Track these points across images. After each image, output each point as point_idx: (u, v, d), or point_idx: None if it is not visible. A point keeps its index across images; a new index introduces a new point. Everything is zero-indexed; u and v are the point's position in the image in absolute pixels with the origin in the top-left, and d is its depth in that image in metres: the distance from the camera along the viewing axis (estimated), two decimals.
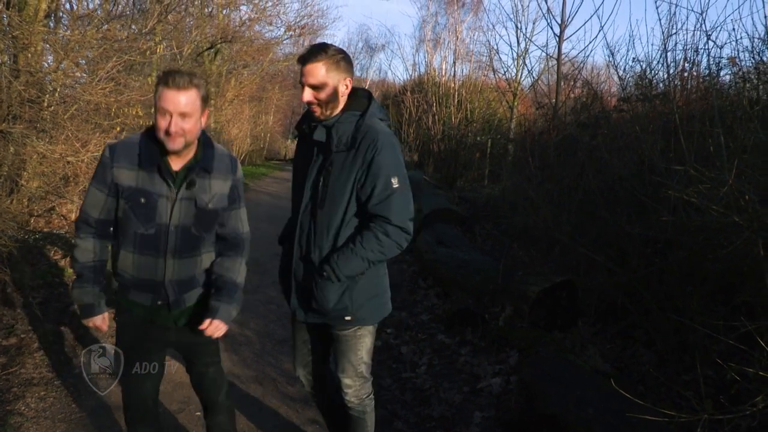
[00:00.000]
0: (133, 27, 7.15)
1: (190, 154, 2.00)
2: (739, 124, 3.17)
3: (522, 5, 13.04)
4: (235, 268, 2.14)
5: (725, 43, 6.73)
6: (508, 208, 6.98)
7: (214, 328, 2.05)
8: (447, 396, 3.38)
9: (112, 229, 2.08)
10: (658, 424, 2.29)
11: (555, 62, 7.61)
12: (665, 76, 4.70)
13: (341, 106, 2.12)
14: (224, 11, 15.39)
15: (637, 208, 3.96)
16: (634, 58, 8.95)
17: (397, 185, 2.05)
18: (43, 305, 4.14)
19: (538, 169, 5.67)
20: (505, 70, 13.48)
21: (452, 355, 3.97)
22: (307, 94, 2.06)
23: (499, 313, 4.34)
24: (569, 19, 7.34)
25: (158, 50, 9.23)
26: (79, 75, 5.94)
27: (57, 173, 5.49)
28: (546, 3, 17.19)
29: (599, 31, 19.98)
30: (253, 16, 15.63)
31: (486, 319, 4.28)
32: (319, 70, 2.03)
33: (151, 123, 1.98)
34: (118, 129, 6.49)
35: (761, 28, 4.49)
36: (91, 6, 6.63)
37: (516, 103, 12.01)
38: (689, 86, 4.43)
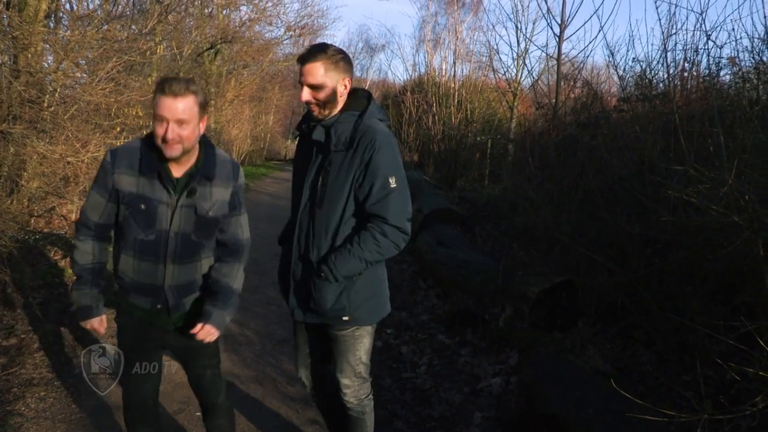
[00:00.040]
0: (133, 27, 7.15)
1: (190, 160, 1.99)
2: (738, 124, 3.16)
3: (522, 5, 13.07)
4: (232, 273, 2.13)
5: (725, 43, 6.75)
6: (508, 208, 6.98)
7: (206, 332, 2.05)
8: (447, 396, 3.38)
9: (112, 232, 2.09)
10: (658, 424, 2.29)
11: (555, 62, 7.61)
12: (665, 76, 4.71)
13: (340, 106, 2.12)
14: (224, 11, 15.40)
15: (637, 208, 3.96)
16: (634, 58, 8.95)
17: (394, 185, 2.04)
18: (43, 306, 4.14)
19: (538, 170, 5.67)
20: (505, 70, 13.49)
21: (452, 355, 3.97)
22: (306, 94, 2.07)
23: (500, 313, 4.33)
24: (569, 19, 7.34)
25: (158, 51, 9.24)
26: (79, 75, 5.94)
27: (57, 174, 5.49)
28: (546, 3, 17.22)
29: (599, 31, 20.00)
30: (253, 17, 15.65)
31: (486, 319, 4.28)
32: (317, 70, 2.03)
33: (151, 125, 1.98)
34: (118, 129, 6.50)
35: (761, 28, 4.50)
36: (91, 6, 6.64)
37: (516, 103, 12.00)
38: (689, 86, 4.44)
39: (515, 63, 13.04)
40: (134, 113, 6.56)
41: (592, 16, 10.15)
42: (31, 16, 5.28)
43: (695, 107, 4.11)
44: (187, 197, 1.97)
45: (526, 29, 13.94)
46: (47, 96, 5.38)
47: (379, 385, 3.54)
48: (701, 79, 4.40)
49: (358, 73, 34.95)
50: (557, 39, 7.34)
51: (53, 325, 3.90)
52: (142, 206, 1.95)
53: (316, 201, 2.11)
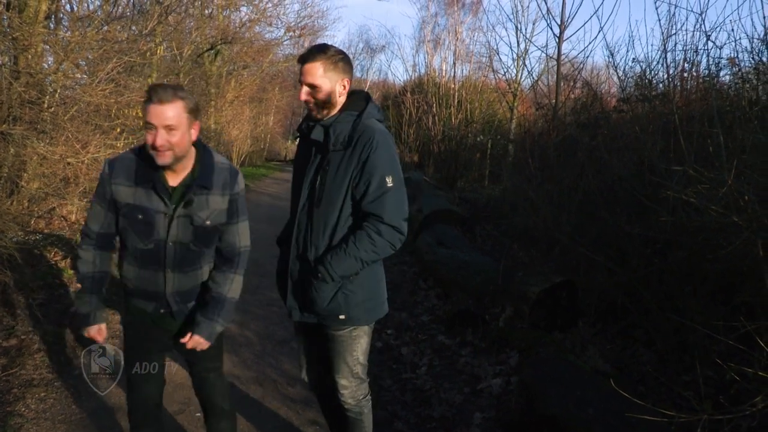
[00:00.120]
0: (133, 28, 7.15)
1: (186, 168, 1.98)
2: (738, 125, 3.16)
3: (522, 6, 13.13)
4: (225, 283, 2.12)
5: (725, 44, 6.75)
6: (508, 208, 6.97)
7: (194, 342, 2.07)
8: (447, 397, 3.38)
9: (116, 239, 2.10)
10: (658, 425, 2.29)
11: (555, 63, 7.61)
12: (665, 76, 4.70)
13: (339, 106, 2.14)
14: (224, 12, 15.42)
15: (636, 209, 3.96)
16: (633, 59, 8.91)
17: (391, 184, 2.05)
18: (43, 306, 4.14)
19: (538, 170, 5.67)
20: (505, 70, 13.53)
21: (453, 355, 3.97)
22: (305, 93, 2.09)
23: (500, 313, 4.34)
24: (569, 20, 7.33)
25: (158, 51, 9.24)
26: (80, 76, 5.95)
27: (57, 174, 5.49)
28: (546, 4, 17.24)
29: (599, 31, 19.99)
30: (253, 17, 15.68)
31: (486, 319, 4.28)
32: (317, 70, 2.05)
33: None
34: (119, 130, 6.51)
35: (760, 29, 4.50)
36: (91, 7, 6.64)
37: (516, 104, 12.01)
38: (689, 87, 4.44)
39: (515, 63, 13.07)
40: (134, 114, 6.57)
41: (591, 17, 10.16)
42: (32, 17, 5.28)
43: (695, 108, 4.11)
44: (184, 207, 1.97)
45: (525, 30, 13.96)
46: (47, 97, 5.38)
47: (380, 386, 3.54)
48: (701, 80, 4.41)
49: (358, 74, 34.99)
50: (557, 39, 7.34)
51: (53, 326, 3.90)
52: (140, 216, 1.96)
53: (314, 200, 2.12)
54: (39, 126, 5.15)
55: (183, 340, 2.08)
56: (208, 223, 2.02)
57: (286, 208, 2.34)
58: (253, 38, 16.50)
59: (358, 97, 2.17)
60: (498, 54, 22.83)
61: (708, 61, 4.25)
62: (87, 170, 5.62)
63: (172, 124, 1.84)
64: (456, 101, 12.70)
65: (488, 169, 12.10)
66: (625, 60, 8.30)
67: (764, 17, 6.49)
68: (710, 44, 4.23)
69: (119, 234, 2.06)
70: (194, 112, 1.92)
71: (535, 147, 6.22)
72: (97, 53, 5.67)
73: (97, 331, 2.11)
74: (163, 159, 1.87)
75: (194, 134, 1.94)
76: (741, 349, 2.53)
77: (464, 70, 14.67)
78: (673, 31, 4.34)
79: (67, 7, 6.51)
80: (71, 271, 4.90)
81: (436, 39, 17.95)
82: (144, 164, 1.94)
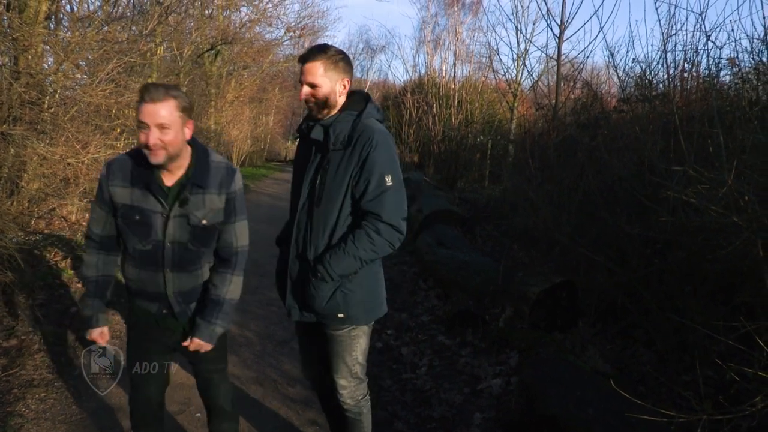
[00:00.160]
0: (134, 29, 7.16)
1: (182, 168, 1.98)
2: (738, 125, 3.16)
3: (522, 6, 13.16)
4: (223, 284, 2.11)
5: (725, 44, 6.73)
6: (508, 209, 6.97)
7: (196, 345, 2.09)
8: (447, 397, 3.38)
9: (120, 240, 2.11)
10: (658, 425, 2.29)
11: (555, 63, 7.61)
12: (665, 76, 4.71)
13: (339, 106, 2.15)
14: (224, 13, 15.43)
15: (636, 209, 3.96)
16: (633, 59, 8.92)
17: (390, 183, 2.05)
18: (43, 307, 4.14)
19: (538, 170, 5.67)
20: (505, 71, 13.53)
21: (453, 356, 3.97)
22: (305, 92, 2.10)
23: (500, 314, 4.34)
24: (569, 20, 7.34)
25: (158, 52, 9.25)
26: (80, 77, 5.95)
27: (57, 175, 5.49)
28: (546, 4, 17.25)
29: (599, 32, 19.99)
30: (253, 18, 15.67)
31: (486, 320, 4.28)
32: (317, 69, 2.06)
33: None
34: (119, 131, 6.51)
35: (760, 29, 4.50)
36: (91, 8, 6.64)
37: (516, 104, 12.00)
38: (689, 87, 4.44)
39: (515, 64, 13.07)
40: (134, 114, 6.54)
41: (591, 17, 10.15)
42: (32, 18, 5.29)
43: (695, 108, 4.11)
44: (180, 207, 1.97)
45: (526, 30, 13.99)
46: (47, 97, 5.38)
47: (380, 386, 3.54)
48: (701, 80, 4.41)
49: (358, 74, 35.02)
50: (557, 40, 7.34)
51: (53, 326, 3.90)
52: (137, 217, 1.97)
53: (314, 199, 2.12)
54: (39, 126, 5.15)
55: (184, 344, 2.09)
56: (204, 222, 2.01)
57: (286, 209, 2.35)
58: (253, 38, 16.50)
59: (357, 97, 2.18)
60: (498, 54, 22.85)
61: (708, 61, 4.26)
62: (87, 171, 5.62)
63: (165, 123, 1.84)
64: (456, 101, 12.69)
65: (488, 169, 12.10)
66: (625, 60, 8.33)
67: (764, 17, 6.49)
68: (710, 44, 4.24)
69: (119, 235, 2.07)
70: (187, 111, 1.91)
71: (535, 147, 6.22)
72: (98, 54, 5.68)
73: (99, 334, 2.12)
74: (157, 158, 1.87)
75: (188, 133, 1.94)
76: (741, 349, 2.53)
77: (464, 71, 14.69)
78: (673, 32, 4.35)
79: (68, 7, 6.52)
80: (71, 272, 4.90)
81: (437, 39, 17.98)
82: (140, 165, 1.94)
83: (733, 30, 6.14)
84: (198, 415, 3.06)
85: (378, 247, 2.06)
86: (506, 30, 47.95)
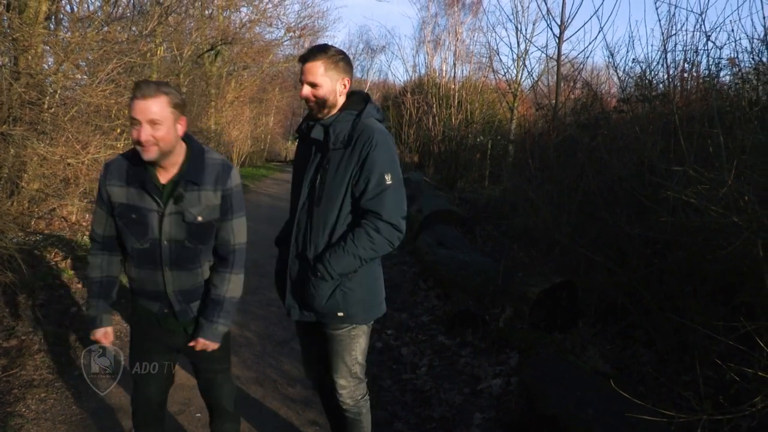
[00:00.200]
0: (134, 29, 7.15)
1: (176, 165, 1.98)
2: (738, 125, 3.16)
3: (522, 6, 13.16)
4: (222, 284, 2.11)
5: (725, 44, 6.73)
6: (508, 209, 6.97)
7: (201, 345, 2.11)
8: (447, 397, 3.38)
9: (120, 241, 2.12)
10: (658, 425, 2.29)
11: (555, 63, 7.61)
12: (665, 77, 4.71)
13: (339, 105, 2.16)
14: (224, 13, 15.41)
15: (636, 209, 3.96)
16: (633, 59, 8.94)
17: (390, 182, 2.06)
18: (43, 307, 4.14)
19: (538, 170, 5.67)
20: (505, 71, 13.53)
21: (453, 356, 3.97)
22: (305, 91, 2.12)
23: (500, 314, 4.34)
24: (569, 20, 7.34)
25: (158, 52, 9.25)
26: (80, 77, 5.95)
27: (57, 175, 5.49)
28: (546, 4, 17.25)
29: (599, 32, 19.97)
30: (253, 18, 15.66)
31: (486, 320, 4.28)
32: (318, 69, 2.08)
33: None
34: (119, 131, 6.51)
35: (760, 29, 4.50)
36: (91, 8, 6.64)
37: (516, 104, 12.00)
38: (689, 87, 4.44)
39: (515, 64, 13.06)
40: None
41: (591, 17, 10.15)
42: (32, 18, 5.29)
43: (695, 108, 4.11)
44: (174, 204, 1.97)
45: (526, 30, 13.99)
46: (47, 98, 5.39)
47: (380, 386, 3.54)
48: (701, 80, 4.41)
49: (358, 74, 35.02)
50: (557, 40, 7.35)
51: (54, 326, 3.91)
52: (133, 216, 1.98)
53: (314, 199, 2.13)
54: (39, 127, 5.16)
55: (191, 344, 2.10)
56: (200, 219, 2.00)
57: (286, 209, 2.35)
58: (253, 39, 16.49)
59: (357, 98, 2.20)
60: (498, 54, 22.90)
61: (708, 61, 4.26)
62: (87, 171, 5.62)
63: (156, 119, 1.84)
64: (456, 102, 12.69)
65: (488, 169, 12.10)
66: (625, 60, 8.35)
67: (764, 17, 6.49)
68: (710, 44, 4.24)
69: (119, 236, 2.08)
70: (179, 107, 1.91)
71: (535, 147, 6.22)
72: (98, 54, 5.68)
73: (103, 335, 2.13)
74: (149, 154, 1.87)
75: (181, 129, 1.94)
76: (741, 350, 2.53)
77: (464, 71, 14.69)
78: (673, 32, 4.35)
79: (68, 8, 6.52)
80: (71, 272, 4.91)
81: (437, 39, 17.99)
82: (136, 164, 1.95)
83: (733, 30, 6.16)
84: (198, 415, 3.06)
85: (377, 245, 2.07)
86: (506, 30, 48.00)
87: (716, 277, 3.37)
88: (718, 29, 4.69)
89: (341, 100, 2.16)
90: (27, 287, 4.26)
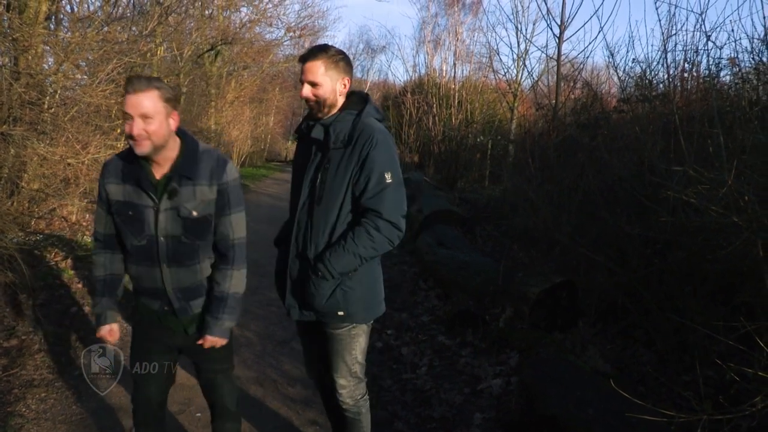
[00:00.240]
0: (134, 29, 7.15)
1: (170, 160, 1.98)
2: (738, 125, 3.16)
3: (522, 6, 13.16)
4: (224, 280, 2.11)
5: (725, 44, 6.73)
6: (508, 209, 6.98)
7: (210, 342, 2.11)
8: (447, 397, 3.38)
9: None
10: (658, 425, 2.29)
11: (555, 63, 7.61)
12: (665, 76, 4.71)
13: (339, 105, 2.17)
14: (224, 13, 15.42)
15: (636, 209, 3.96)
16: (633, 59, 8.92)
17: (390, 180, 2.07)
18: (43, 307, 4.14)
19: (538, 170, 5.67)
20: (506, 71, 13.51)
21: (453, 356, 3.98)
22: (306, 91, 2.12)
23: (500, 314, 4.34)
24: (569, 20, 7.33)
25: (158, 52, 9.25)
26: (80, 77, 5.95)
27: (57, 175, 5.50)
28: (546, 4, 17.24)
29: (599, 32, 19.97)
30: (253, 18, 15.67)
31: (486, 320, 4.28)
32: (318, 68, 2.09)
33: None
34: (119, 131, 6.51)
35: (760, 29, 4.49)
36: (91, 8, 6.65)
37: (516, 104, 12.00)
38: (689, 87, 4.44)
39: (515, 64, 13.04)
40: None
41: (591, 17, 10.15)
42: (32, 18, 5.29)
43: (695, 108, 4.11)
44: (169, 199, 1.97)
45: (526, 30, 14.00)
46: (47, 98, 5.39)
47: (380, 386, 3.54)
48: (701, 80, 4.41)
49: (358, 74, 35.04)
50: (557, 40, 7.34)
51: (54, 326, 3.91)
52: (130, 213, 1.99)
53: (315, 198, 2.14)
54: (39, 127, 5.16)
55: (199, 342, 2.11)
56: (195, 214, 2.00)
57: (287, 209, 2.35)
58: (253, 39, 16.49)
59: (357, 98, 2.21)
60: (498, 54, 22.90)
61: (708, 61, 4.26)
62: (87, 171, 5.62)
63: (148, 113, 1.85)
64: (456, 101, 12.69)
65: (488, 169, 12.10)
66: (625, 60, 8.36)
67: (764, 17, 6.49)
68: (710, 44, 4.23)
69: (118, 234, 2.08)
70: (171, 102, 1.92)
71: (536, 147, 6.22)
72: (98, 54, 5.68)
73: (108, 332, 2.13)
74: (142, 148, 1.88)
75: (173, 124, 1.94)
76: (741, 350, 2.53)
77: (464, 71, 14.69)
78: (673, 32, 4.35)
79: (68, 8, 6.53)
80: (72, 272, 4.91)
81: (437, 39, 17.97)
82: (131, 161, 1.97)
83: (733, 30, 6.15)
84: (198, 415, 3.06)
85: (378, 244, 2.08)
86: (506, 30, 47.92)
87: (716, 277, 3.38)
88: (718, 29, 4.69)
89: (341, 100, 2.17)
90: (27, 287, 4.26)
